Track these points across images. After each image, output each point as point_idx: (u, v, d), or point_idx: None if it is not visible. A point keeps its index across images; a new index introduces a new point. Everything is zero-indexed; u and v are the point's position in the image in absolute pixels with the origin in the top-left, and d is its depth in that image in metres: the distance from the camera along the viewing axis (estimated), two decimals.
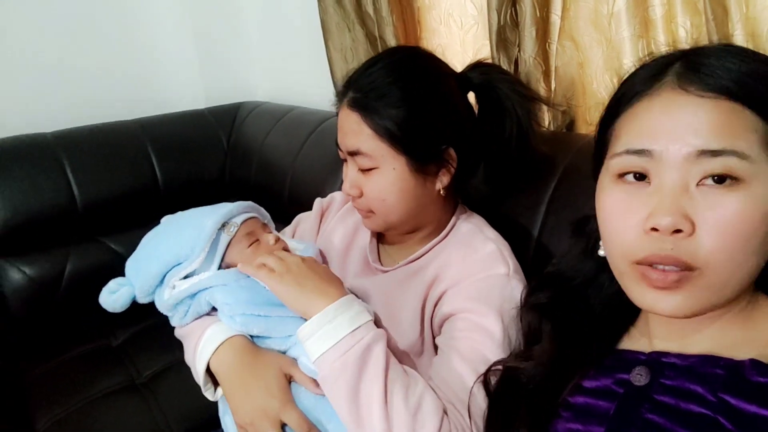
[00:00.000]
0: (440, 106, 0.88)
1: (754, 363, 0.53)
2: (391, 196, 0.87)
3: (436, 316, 0.87)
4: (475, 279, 0.84)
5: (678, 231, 0.52)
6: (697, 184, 0.52)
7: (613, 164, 0.58)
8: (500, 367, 0.73)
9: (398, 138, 0.84)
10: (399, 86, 0.85)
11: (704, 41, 0.87)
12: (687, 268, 0.53)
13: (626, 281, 0.59)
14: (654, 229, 0.53)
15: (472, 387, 0.75)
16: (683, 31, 0.95)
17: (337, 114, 0.92)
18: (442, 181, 0.89)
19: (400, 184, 0.86)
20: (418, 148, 0.85)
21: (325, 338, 0.76)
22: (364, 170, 0.87)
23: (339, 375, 0.74)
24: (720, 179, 0.52)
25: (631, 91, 0.59)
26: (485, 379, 0.73)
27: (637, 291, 0.57)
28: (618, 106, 0.61)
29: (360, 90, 0.87)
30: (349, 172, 0.90)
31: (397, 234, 0.96)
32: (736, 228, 0.51)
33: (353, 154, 0.87)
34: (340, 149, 0.91)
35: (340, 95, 0.91)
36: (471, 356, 0.78)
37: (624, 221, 0.57)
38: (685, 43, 0.93)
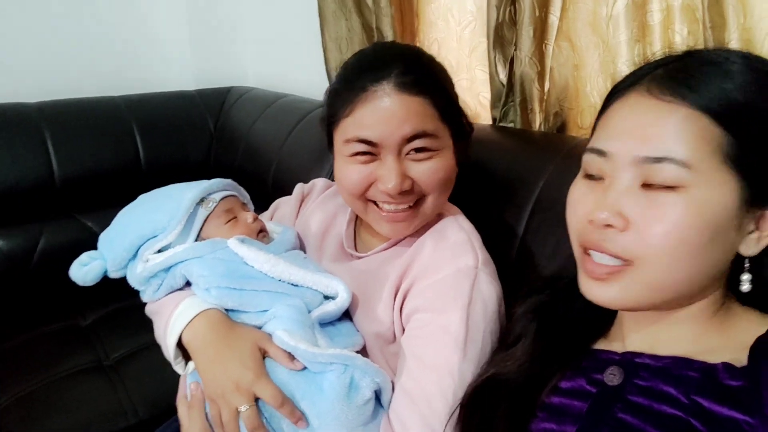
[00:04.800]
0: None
1: (726, 366, 0.54)
2: (448, 179, 0.85)
3: (405, 307, 0.85)
4: (444, 274, 0.82)
5: (609, 226, 0.56)
6: (643, 185, 0.55)
7: (583, 160, 0.62)
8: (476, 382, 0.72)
9: (452, 119, 0.85)
10: (438, 70, 0.87)
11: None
12: (619, 260, 0.57)
13: (578, 269, 0.63)
14: (592, 222, 0.58)
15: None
16: (680, 37, 0.95)
17: (346, 111, 0.83)
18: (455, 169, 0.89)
19: (451, 167, 0.85)
20: (459, 126, 0.87)
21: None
22: (422, 154, 0.82)
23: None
24: (662, 184, 0.54)
25: (613, 92, 0.62)
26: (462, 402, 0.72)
27: (580, 279, 0.62)
28: (603, 106, 0.64)
29: (412, 70, 0.82)
30: (395, 166, 0.81)
31: None
32: (669, 230, 0.53)
33: (413, 138, 0.81)
34: (373, 143, 0.82)
35: (365, 85, 0.82)
36: (434, 362, 0.77)
37: (578, 211, 0.62)
38: (682, 47, 0.92)
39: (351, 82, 0.85)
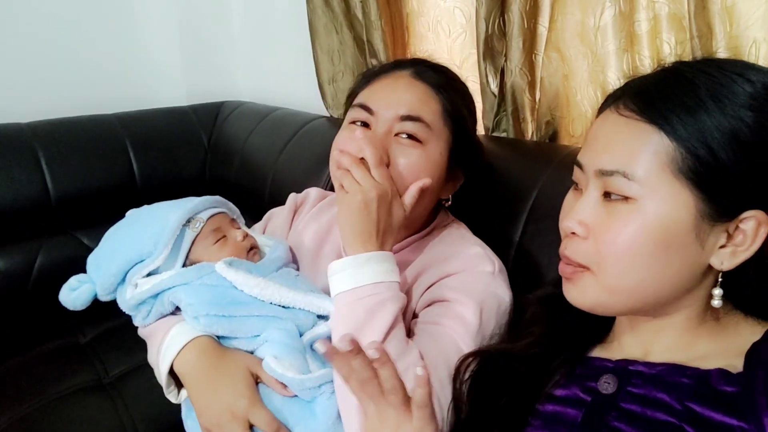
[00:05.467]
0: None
1: (720, 372, 0.55)
2: (424, 176, 0.86)
3: (419, 305, 0.87)
4: (462, 274, 0.85)
5: (574, 234, 0.60)
6: (604, 196, 0.58)
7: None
8: (472, 358, 0.73)
9: (456, 126, 0.88)
10: (461, 83, 0.94)
11: (688, 58, 0.88)
12: (579, 266, 0.60)
13: None
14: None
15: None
16: (668, 47, 0.96)
17: (363, 84, 0.93)
18: (449, 191, 0.94)
19: (434, 168, 0.87)
20: (463, 146, 0.90)
21: (347, 279, 0.78)
22: (409, 140, 0.85)
23: (345, 316, 0.77)
24: (616, 195, 0.57)
25: (602, 106, 0.64)
26: (456, 372, 0.73)
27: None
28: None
29: (435, 70, 0.91)
30: (379, 137, 0.85)
31: None
32: (619, 239, 0.56)
33: (407, 119, 0.85)
34: (369, 110, 0.87)
35: (397, 66, 0.93)
36: (444, 344, 0.78)
37: (561, 218, 0.65)
38: (670, 58, 0.94)
39: (380, 67, 0.95)
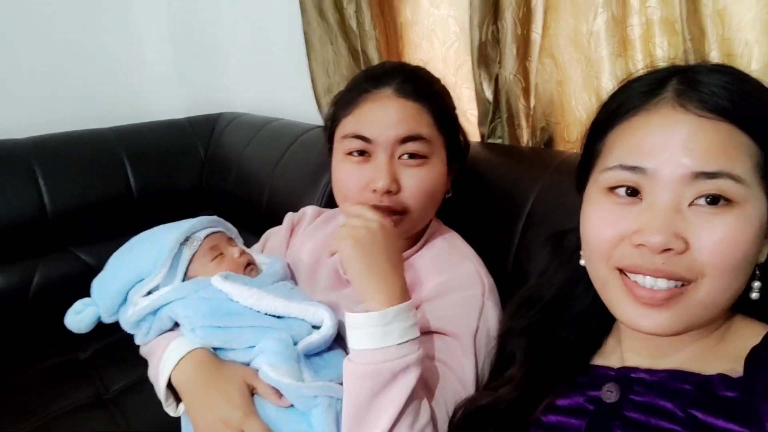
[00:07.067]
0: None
1: (721, 377, 0.54)
2: (435, 192, 0.87)
3: None
4: (453, 298, 0.84)
5: (668, 250, 0.52)
6: (689, 204, 0.53)
7: (603, 178, 0.58)
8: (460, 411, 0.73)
9: (447, 128, 0.88)
10: (436, 82, 0.92)
11: (681, 61, 0.88)
12: (681, 281, 0.53)
13: (609, 293, 0.59)
14: (642, 245, 0.54)
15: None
16: (661, 51, 0.96)
17: (347, 110, 0.89)
18: (447, 185, 0.92)
19: (441, 179, 0.87)
20: (455, 142, 0.90)
21: (373, 338, 0.72)
22: (414, 160, 0.85)
23: (367, 377, 0.71)
24: (713, 200, 0.52)
25: (627, 105, 0.59)
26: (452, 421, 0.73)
27: (620, 305, 0.57)
28: (612, 119, 0.60)
29: (413, 79, 0.88)
30: (386, 165, 0.84)
31: None
32: (731, 247, 0.52)
33: (407, 140, 0.84)
34: (367, 139, 0.85)
35: (368, 87, 0.88)
36: (447, 386, 0.78)
37: (611, 229, 0.57)
38: (662, 61, 0.94)
39: (355, 87, 0.91)
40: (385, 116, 0.85)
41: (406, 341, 0.72)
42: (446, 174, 0.90)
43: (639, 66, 0.98)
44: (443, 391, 0.77)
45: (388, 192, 0.84)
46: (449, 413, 0.74)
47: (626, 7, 0.99)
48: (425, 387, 0.77)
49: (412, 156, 0.85)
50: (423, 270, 0.89)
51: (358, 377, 0.72)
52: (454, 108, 0.95)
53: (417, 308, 0.85)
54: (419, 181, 0.85)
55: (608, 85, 1.02)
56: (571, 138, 1.13)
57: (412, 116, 0.85)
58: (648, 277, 0.54)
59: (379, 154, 0.85)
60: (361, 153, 0.86)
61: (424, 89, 0.89)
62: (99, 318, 0.97)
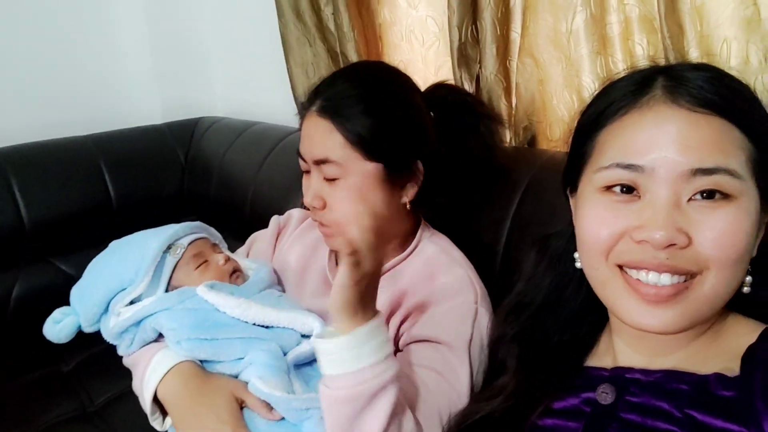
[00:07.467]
0: (409, 117, 0.88)
1: (718, 377, 0.54)
2: (357, 206, 0.85)
3: (402, 332, 0.85)
4: (446, 306, 0.83)
5: (671, 245, 0.52)
6: (688, 200, 0.53)
7: (598, 178, 0.58)
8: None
9: (370, 144, 0.83)
10: (370, 94, 0.85)
11: (661, 58, 0.89)
12: (685, 275, 0.53)
13: (609, 292, 0.59)
14: (645, 241, 0.53)
15: None
16: (640, 48, 0.97)
17: (300, 125, 0.91)
18: (408, 194, 0.89)
19: (367, 193, 0.85)
20: (389, 155, 0.85)
21: (343, 362, 0.68)
22: (330, 180, 0.85)
23: (346, 402, 0.68)
24: (710, 195, 0.53)
25: (616, 104, 0.59)
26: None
27: (623, 303, 0.57)
28: (601, 119, 0.60)
29: (330, 98, 0.86)
30: (313, 182, 0.87)
31: None
32: (733, 239, 0.52)
33: (320, 162, 0.85)
34: (304, 159, 0.89)
35: (306, 104, 0.89)
36: (439, 397, 0.77)
37: (610, 226, 0.56)
38: (642, 58, 0.95)
39: (302, 105, 0.92)
40: (307, 137, 0.89)
41: (381, 359, 0.68)
42: (376, 187, 0.86)
43: (619, 64, 0.99)
44: (437, 401, 0.75)
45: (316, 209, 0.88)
46: (444, 423, 0.73)
47: (604, 6, 0.99)
48: (418, 397, 0.76)
49: (326, 178, 0.87)
50: (413, 278, 0.88)
51: (336, 403, 0.69)
52: (399, 103, 0.91)
53: (408, 317, 0.84)
54: (332, 201, 0.87)
55: (589, 84, 1.02)
56: (553, 137, 1.13)
57: (322, 136, 0.86)
58: (651, 273, 0.54)
59: (312, 174, 0.89)
60: (308, 172, 0.91)
61: (338, 102, 0.87)
62: (79, 327, 0.95)
